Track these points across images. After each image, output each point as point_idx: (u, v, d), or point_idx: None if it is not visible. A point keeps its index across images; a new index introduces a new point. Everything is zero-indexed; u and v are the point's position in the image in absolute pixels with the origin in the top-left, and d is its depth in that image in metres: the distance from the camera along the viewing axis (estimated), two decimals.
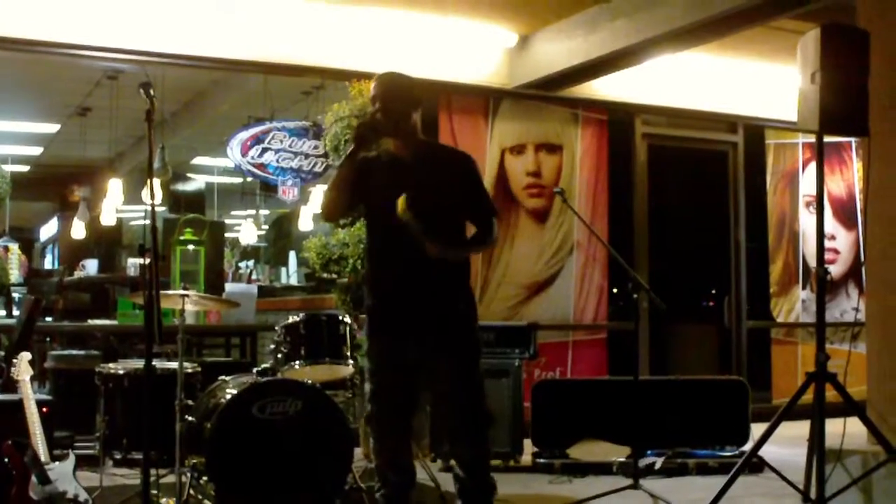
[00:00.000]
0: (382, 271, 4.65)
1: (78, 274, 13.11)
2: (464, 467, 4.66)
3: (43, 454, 4.88)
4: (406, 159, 4.62)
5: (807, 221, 10.38)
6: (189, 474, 5.42)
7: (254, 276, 16.20)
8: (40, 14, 7.25)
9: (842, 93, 4.92)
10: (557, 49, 8.39)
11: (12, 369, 5.21)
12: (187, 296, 5.51)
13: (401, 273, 4.55)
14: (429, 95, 8.38)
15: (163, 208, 13.33)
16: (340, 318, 5.87)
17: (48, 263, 17.50)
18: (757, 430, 5.99)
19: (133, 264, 12.59)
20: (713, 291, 10.43)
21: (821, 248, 5.12)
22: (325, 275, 8.02)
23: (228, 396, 5.33)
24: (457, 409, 4.64)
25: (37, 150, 14.38)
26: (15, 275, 11.94)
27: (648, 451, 6.99)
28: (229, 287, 11.04)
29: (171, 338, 5.37)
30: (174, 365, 5.53)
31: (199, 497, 5.48)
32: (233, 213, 17.35)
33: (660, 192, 9.84)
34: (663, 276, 9.48)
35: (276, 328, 5.83)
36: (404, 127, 4.63)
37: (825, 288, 5.12)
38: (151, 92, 4.31)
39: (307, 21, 8.05)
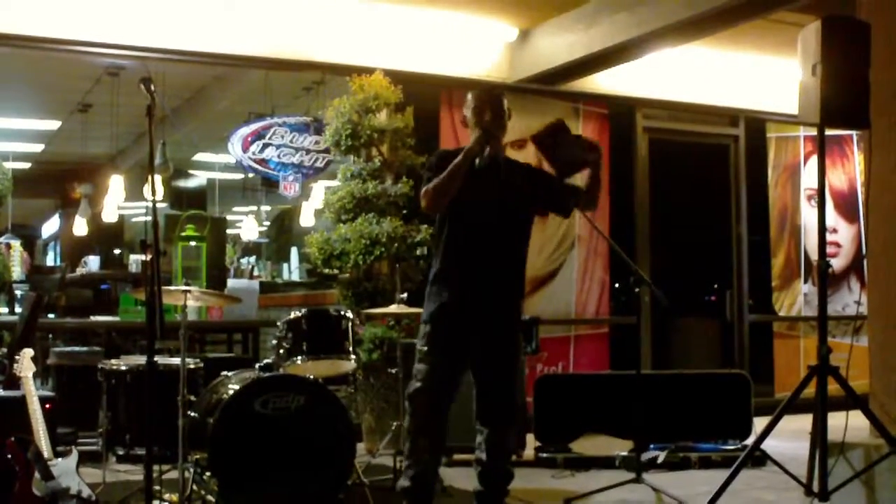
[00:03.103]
0: (460, 265, 4.91)
1: (80, 271, 13.10)
2: (491, 451, 4.94)
3: (46, 450, 4.88)
4: (501, 164, 4.99)
5: (808, 215, 10.38)
6: (192, 470, 5.42)
7: (255, 272, 16.18)
8: (41, 10, 7.26)
9: (843, 85, 4.91)
10: (558, 43, 8.39)
11: (15, 366, 5.21)
12: (189, 291, 5.51)
13: (478, 269, 4.86)
14: (426, 92, 8.43)
15: (164, 204, 13.32)
16: (342, 313, 5.87)
17: (50, 260, 17.50)
18: (759, 423, 5.99)
19: (135, 261, 12.58)
20: (715, 285, 10.43)
21: (822, 242, 5.12)
22: (326, 270, 8.04)
23: (231, 392, 5.33)
24: (501, 397, 4.92)
25: (38, 147, 14.37)
26: (17, 272, 11.91)
27: (651, 446, 7.00)
28: (231, 283, 11.05)
29: (173, 334, 5.37)
30: (176, 361, 5.53)
31: (202, 493, 5.48)
32: (234, 209, 17.34)
33: (661, 186, 9.84)
34: (665, 270, 9.48)
35: (278, 324, 5.83)
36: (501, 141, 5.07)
37: (827, 281, 5.12)
38: (152, 87, 4.31)
39: (307, 16, 8.05)
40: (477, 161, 4.82)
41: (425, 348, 4.87)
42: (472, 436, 5.07)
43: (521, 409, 5.13)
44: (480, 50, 8.73)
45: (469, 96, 5.13)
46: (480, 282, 4.86)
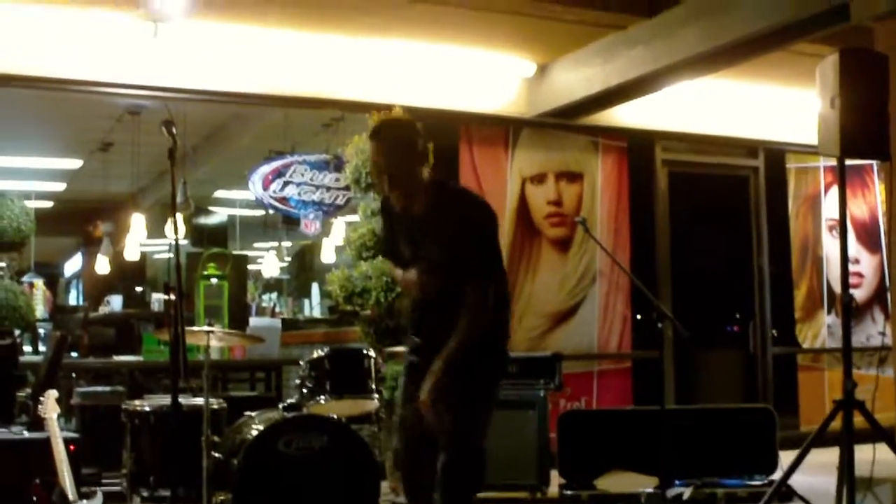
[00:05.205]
0: (411, 321, 4.57)
1: (102, 309, 13.16)
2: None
3: (70, 492, 4.88)
4: (417, 214, 4.38)
5: (830, 245, 10.34)
6: None
7: (277, 309, 16.22)
8: (62, 52, 7.32)
9: (862, 117, 4.92)
10: (576, 77, 8.41)
11: (39, 408, 5.22)
12: (212, 332, 5.52)
13: (417, 319, 4.49)
14: (445, 127, 8.46)
15: (185, 242, 13.37)
16: (365, 351, 5.87)
17: (73, 299, 17.56)
18: (785, 457, 5.95)
19: (157, 299, 12.63)
20: (737, 316, 10.37)
21: (845, 274, 5.11)
22: (348, 307, 8.04)
23: (255, 432, 5.34)
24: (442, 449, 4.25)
25: (60, 186, 14.47)
26: (40, 310, 11.98)
27: (676, 482, 6.94)
28: (253, 321, 11.07)
29: (196, 373, 5.39)
30: (200, 401, 5.53)
31: None
32: (255, 245, 17.40)
33: (681, 219, 9.82)
34: (687, 302, 9.44)
35: (301, 363, 5.84)
36: (409, 183, 4.34)
37: (850, 314, 5.10)
38: (174, 130, 4.33)
39: (326, 54, 8.10)
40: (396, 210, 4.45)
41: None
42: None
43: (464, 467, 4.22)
44: (499, 85, 8.76)
45: None
46: (420, 331, 4.44)
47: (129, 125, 10.51)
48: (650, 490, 6.73)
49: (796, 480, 5.30)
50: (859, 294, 10.30)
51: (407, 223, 4.41)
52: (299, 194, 8.87)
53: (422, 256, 4.35)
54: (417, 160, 4.35)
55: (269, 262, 14.14)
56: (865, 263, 10.58)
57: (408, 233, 4.43)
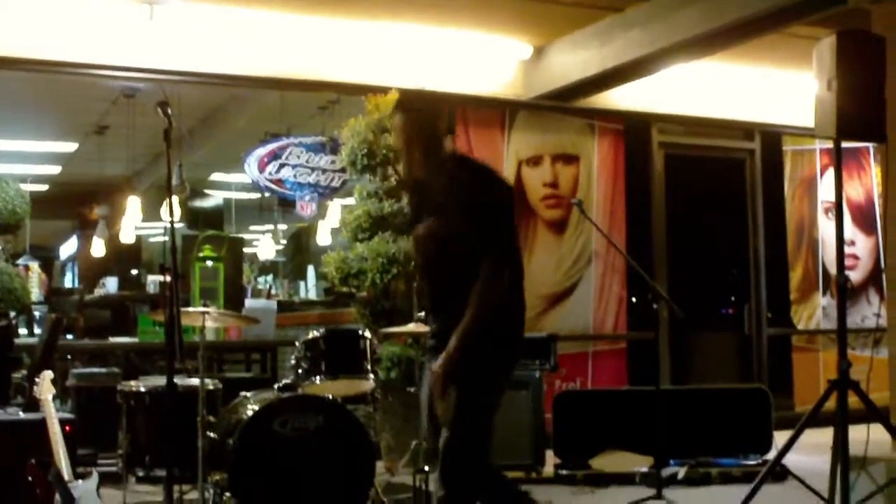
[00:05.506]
0: (429, 304, 4.48)
1: (98, 292, 13.15)
2: None
3: (66, 472, 4.88)
4: (439, 187, 4.25)
5: (826, 228, 10.35)
6: (212, 490, 5.42)
7: (273, 291, 16.22)
8: (57, 34, 7.31)
9: (858, 99, 4.91)
10: (572, 60, 8.40)
11: (35, 389, 5.22)
12: (208, 313, 5.52)
13: (435, 306, 4.37)
14: (445, 109, 8.44)
15: (181, 225, 13.35)
16: (360, 332, 5.87)
17: (68, 282, 17.57)
18: (779, 437, 5.97)
19: (153, 281, 12.63)
20: (733, 299, 10.39)
21: (841, 256, 5.11)
22: (344, 289, 8.04)
23: (250, 412, 5.34)
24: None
25: (55, 169, 14.46)
26: (35, 293, 11.98)
27: (671, 461, 6.97)
28: (249, 303, 11.06)
29: (191, 354, 5.38)
30: (195, 381, 5.54)
31: None
32: (251, 228, 17.39)
33: (677, 201, 9.82)
34: (682, 284, 9.46)
35: (297, 344, 5.83)
36: (436, 161, 4.26)
37: (846, 296, 5.11)
38: (169, 111, 4.33)
39: (322, 36, 8.08)
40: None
41: None
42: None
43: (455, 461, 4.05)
44: (495, 68, 8.75)
45: None
46: (430, 317, 4.41)
47: (124, 108, 10.49)
48: (645, 469, 6.77)
49: (791, 460, 5.31)
50: (855, 276, 10.33)
51: (430, 196, 4.30)
52: (295, 176, 8.86)
53: (422, 229, 4.25)
54: (443, 136, 4.30)
55: (264, 244, 14.14)
56: (861, 245, 10.59)
57: (430, 205, 4.29)
